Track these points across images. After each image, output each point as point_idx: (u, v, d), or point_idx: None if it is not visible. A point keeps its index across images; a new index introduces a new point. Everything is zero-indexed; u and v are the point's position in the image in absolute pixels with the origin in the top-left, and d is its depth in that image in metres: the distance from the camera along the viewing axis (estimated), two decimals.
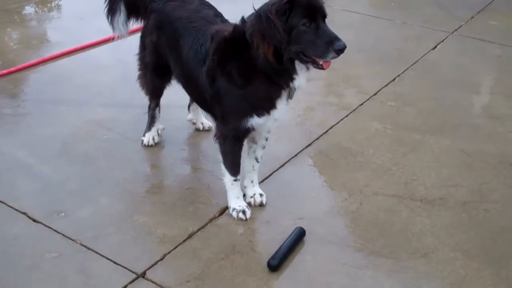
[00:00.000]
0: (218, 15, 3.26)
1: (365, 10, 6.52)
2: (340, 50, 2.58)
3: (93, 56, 5.06)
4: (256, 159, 3.21)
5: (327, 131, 4.05)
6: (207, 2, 3.40)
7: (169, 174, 3.50)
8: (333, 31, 2.64)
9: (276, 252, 2.81)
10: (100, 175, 3.44)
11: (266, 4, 2.67)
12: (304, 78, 2.83)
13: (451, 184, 3.51)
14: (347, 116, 4.27)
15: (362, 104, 4.45)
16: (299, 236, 2.95)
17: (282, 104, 2.91)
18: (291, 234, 2.93)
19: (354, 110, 4.36)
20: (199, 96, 3.16)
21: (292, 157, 3.70)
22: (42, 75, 4.70)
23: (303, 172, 3.58)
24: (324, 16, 2.64)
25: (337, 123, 4.16)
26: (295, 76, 2.76)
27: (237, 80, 2.82)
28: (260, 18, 2.64)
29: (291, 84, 2.80)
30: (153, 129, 3.75)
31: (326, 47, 2.59)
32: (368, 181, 3.50)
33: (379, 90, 4.67)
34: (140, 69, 3.59)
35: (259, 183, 3.34)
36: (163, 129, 3.82)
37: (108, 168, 3.50)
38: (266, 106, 2.87)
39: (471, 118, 4.33)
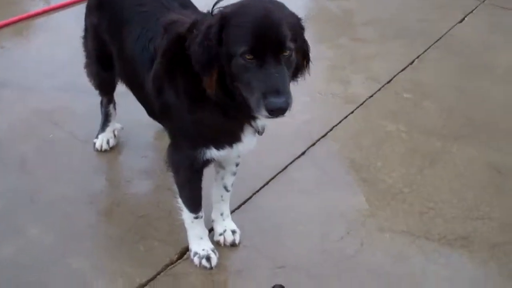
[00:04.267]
0: None
1: None
2: (273, 111, 1.78)
3: (51, 23, 4.25)
4: (225, 188, 2.49)
5: (326, 134, 3.29)
6: None
7: (121, 193, 2.79)
8: None
9: None
10: (35, 190, 2.75)
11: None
12: None
13: (477, 216, 2.78)
14: (352, 112, 3.49)
15: (372, 95, 3.66)
16: None
17: (249, 137, 2.16)
18: None
19: (362, 104, 3.58)
20: (147, 106, 2.43)
21: (279, 172, 2.97)
22: None
23: (291, 195, 2.85)
24: (276, 51, 1.81)
25: (340, 122, 3.39)
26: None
27: (184, 101, 2.05)
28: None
29: (253, 124, 2.06)
30: (108, 130, 3.02)
31: (258, 99, 1.81)
32: (374, 209, 2.77)
33: (393, 77, 3.87)
34: (86, 56, 2.82)
35: (233, 210, 2.63)
36: (122, 128, 3.09)
37: (47, 181, 2.80)
38: (225, 139, 2.14)
39: (504, 118, 3.52)
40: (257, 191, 2.84)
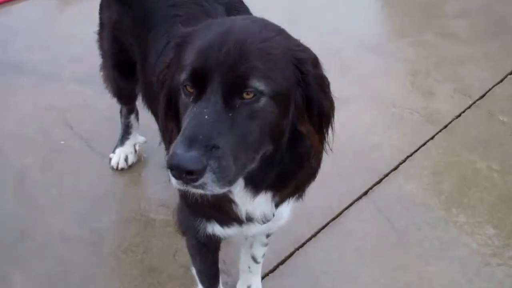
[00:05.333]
0: None
1: None
2: (171, 167, 1.13)
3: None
4: (254, 259, 1.91)
5: (397, 166, 2.63)
6: None
7: (132, 233, 2.24)
8: None
9: None
10: (29, 222, 2.24)
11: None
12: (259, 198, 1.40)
13: None
14: (432, 138, 2.80)
15: (459, 115, 2.95)
16: None
17: (264, 212, 1.48)
18: None
19: (446, 126, 2.87)
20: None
21: (330, 221, 2.34)
22: None
23: (345, 254, 2.22)
24: (229, 88, 1.18)
25: (416, 151, 2.72)
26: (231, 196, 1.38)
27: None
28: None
29: (233, 207, 1.43)
30: (128, 144, 2.47)
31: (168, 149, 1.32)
32: None
33: (488, 91, 3.12)
34: (101, 56, 2.25)
35: (267, 273, 2.05)
36: (145, 142, 2.53)
37: (45, 209, 2.30)
38: (225, 217, 1.51)
39: None
40: (301, 246, 2.23)
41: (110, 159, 2.49)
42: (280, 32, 1.29)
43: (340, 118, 2.69)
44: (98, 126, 2.68)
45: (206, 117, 1.14)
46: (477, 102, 3.03)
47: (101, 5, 2.14)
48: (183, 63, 1.23)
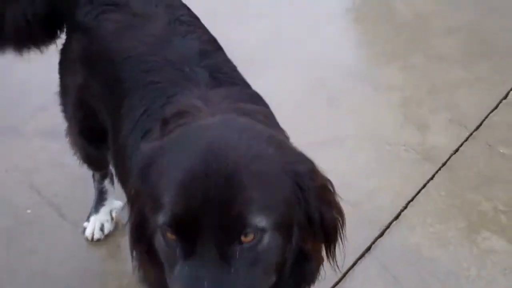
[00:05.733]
0: (208, 53, 1.60)
1: None
2: None
3: None
4: None
5: (398, 215, 2.43)
6: (189, 17, 1.70)
7: None
8: None
9: None
10: None
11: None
12: None
13: None
14: (432, 178, 2.61)
15: (457, 149, 2.75)
16: None
17: None
18: None
19: (445, 163, 2.68)
20: None
21: (338, 282, 2.13)
22: None
23: None
24: (222, 237, 0.97)
25: (416, 194, 2.52)
26: None
27: None
28: None
29: None
30: (103, 211, 2.23)
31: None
32: None
33: (484, 119, 2.93)
34: (65, 119, 2.00)
35: None
36: (122, 207, 2.27)
37: None
38: None
39: None
40: None
41: (84, 228, 2.23)
42: (272, 140, 1.09)
43: (332, 159, 2.51)
44: (69, 187, 2.42)
45: (205, 283, 0.92)
46: (474, 133, 2.85)
47: (61, 66, 1.88)
48: (159, 200, 1.00)
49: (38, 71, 2.79)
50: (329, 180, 1.16)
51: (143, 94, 1.53)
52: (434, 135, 2.84)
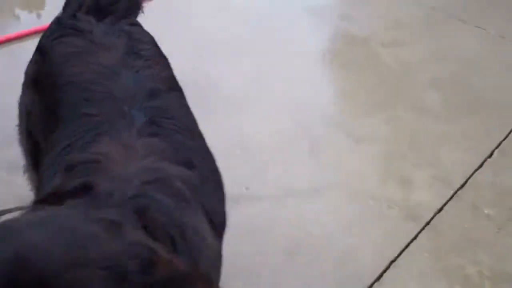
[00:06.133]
0: (159, 93, 1.45)
1: (443, 5, 4.44)
2: None
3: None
4: None
5: (380, 276, 2.32)
6: (151, 52, 1.60)
7: None
8: None
9: None
10: None
11: None
12: None
13: None
14: (415, 237, 2.50)
15: (441, 208, 2.66)
16: None
17: None
18: None
19: (429, 223, 2.58)
20: None
21: None
22: None
23: None
24: None
25: (399, 255, 2.40)
26: None
27: None
28: None
29: None
30: None
31: None
32: None
33: (469, 178, 2.86)
34: (23, 154, 1.85)
35: None
36: None
37: None
38: None
39: None
40: None
41: None
42: (95, 237, 0.88)
43: (314, 211, 2.39)
44: None
45: None
46: (458, 192, 2.77)
47: (22, 92, 1.74)
48: None
49: None
50: (192, 270, 0.96)
51: (75, 125, 1.37)
52: (417, 191, 2.75)
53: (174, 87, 1.57)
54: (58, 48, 1.57)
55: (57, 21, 1.66)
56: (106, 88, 1.42)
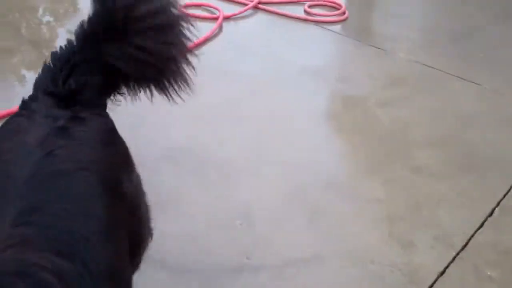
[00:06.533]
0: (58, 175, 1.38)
1: (437, 62, 4.53)
2: None
3: None
4: None
5: None
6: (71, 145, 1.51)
7: None
8: None
9: None
10: None
11: None
12: None
13: None
14: None
15: (443, 271, 2.64)
16: None
17: None
18: None
19: (432, 286, 2.55)
20: None
21: None
22: None
23: None
24: None
25: None
26: None
27: None
28: None
29: None
30: None
31: None
32: None
33: (470, 238, 2.84)
34: None
35: None
36: None
37: None
38: None
39: None
40: None
41: None
42: None
43: (313, 279, 2.37)
44: None
45: None
46: (460, 254, 2.76)
47: None
48: None
49: None
50: None
51: None
52: (419, 254, 2.74)
53: (86, 167, 1.45)
54: (5, 125, 1.58)
55: (21, 102, 1.67)
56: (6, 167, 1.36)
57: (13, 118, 1.62)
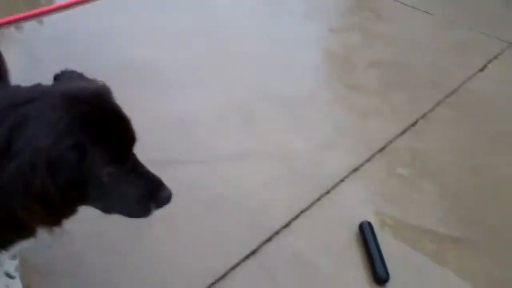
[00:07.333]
0: None
1: None
2: (165, 202, 1.63)
3: None
4: (9, 275, 1.86)
5: (288, 223, 2.61)
6: None
7: None
8: None
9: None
10: None
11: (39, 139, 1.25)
12: None
13: None
14: (328, 192, 2.78)
15: (357, 168, 2.94)
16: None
17: None
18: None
19: (343, 180, 2.87)
20: None
21: (215, 281, 2.29)
22: None
23: None
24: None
25: (310, 206, 2.69)
26: None
27: None
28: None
29: None
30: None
31: (145, 203, 1.59)
32: None
33: (389, 143, 3.14)
34: None
35: None
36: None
37: None
38: None
39: None
40: None
41: None
42: None
43: (239, 174, 2.69)
44: None
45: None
46: (377, 155, 3.05)
47: None
48: (98, 158, 1.39)
49: None
50: None
51: None
52: (339, 154, 3.03)
53: None
54: None
55: None
56: None
57: None
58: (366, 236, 2.47)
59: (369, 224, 2.52)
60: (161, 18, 4.14)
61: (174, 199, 2.58)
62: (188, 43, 3.88)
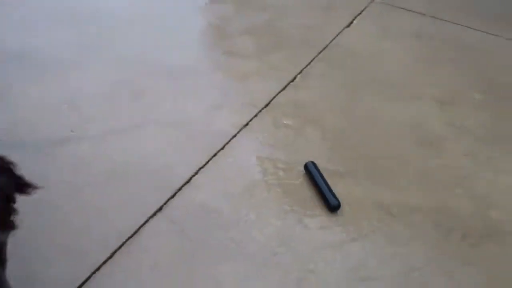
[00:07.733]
0: None
1: None
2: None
3: None
4: None
5: (189, 179, 2.77)
6: None
7: None
8: None
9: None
10: None
11: None
12: None
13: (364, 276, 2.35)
14: (222, 148, 2.98)
15: (246, 124, 3.16)
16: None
17: None
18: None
19: (235, 136, 3.07)
20: None
21: (127, 239, 2.42)
22: None
23: (142, 273, 2.30)
24: None
25: (207, 162, 2.87)
26: None
27: None
28: None
29: None
30: None
31: None
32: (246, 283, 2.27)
33: (272, 99, 3.38)
34: None
35: None
36: None
37: None
38: None
39: (393, 148, 3.11)
40: (97, 269, 2.27)
41: None
42: None
43: (135, 144, 2.80)
44: None
45: None
46: (262, 110, 3.27)
47: None
48: None
49: None
50: None
51: None
52: (225, 115, 3.21)
53: None
54: None
55: None
56: None
57: None
58: (313, 173, 2.76)
59: (313, 163, 2.81)
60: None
61: (75, 174, 2.69)
62: (74, 24, 3.90)
